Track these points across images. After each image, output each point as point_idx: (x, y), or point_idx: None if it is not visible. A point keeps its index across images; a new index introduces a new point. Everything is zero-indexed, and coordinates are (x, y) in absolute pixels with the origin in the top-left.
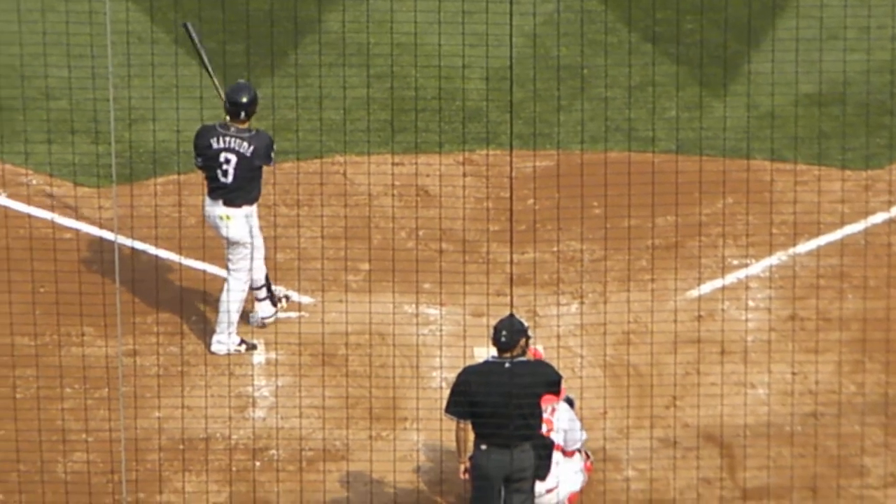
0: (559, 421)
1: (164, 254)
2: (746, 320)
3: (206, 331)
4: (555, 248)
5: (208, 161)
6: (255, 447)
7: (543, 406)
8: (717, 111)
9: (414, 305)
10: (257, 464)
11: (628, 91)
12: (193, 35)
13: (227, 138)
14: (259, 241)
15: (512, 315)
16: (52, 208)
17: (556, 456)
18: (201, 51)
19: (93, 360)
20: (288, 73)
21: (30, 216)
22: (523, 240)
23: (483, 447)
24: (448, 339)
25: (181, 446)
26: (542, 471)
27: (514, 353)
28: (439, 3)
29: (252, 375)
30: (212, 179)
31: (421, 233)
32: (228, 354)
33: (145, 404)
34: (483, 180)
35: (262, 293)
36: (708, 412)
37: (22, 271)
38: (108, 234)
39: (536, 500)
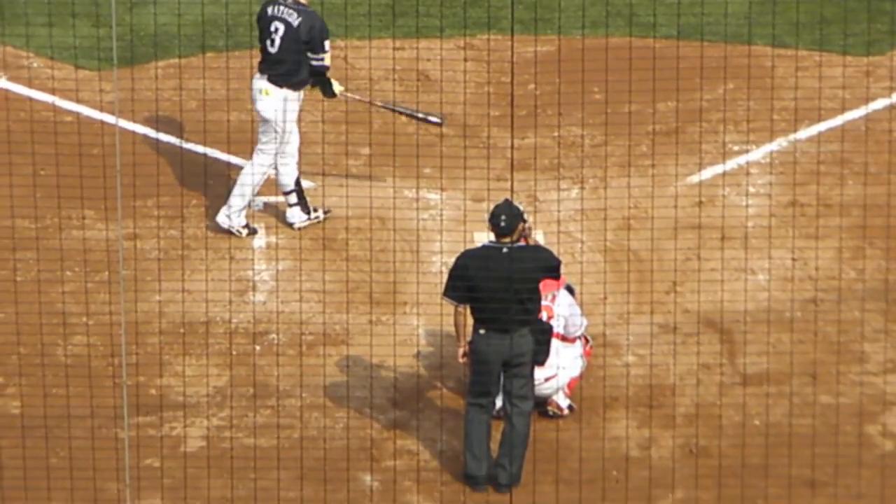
0: (559, 307)
1: (164, 137)
2: (747, 206)
3: (206, 215)
4: (555, 134)
5: (261, 29)
6: (254, 331)
7: (543, 293)
8: None
9: (414, 190)
10: (257, 348)
11: None
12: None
13: (281, 7)
14: (294, 138)
15: (508, 200)
16: (53, 91)
17: (556, 343)
18: (404, 112)
19: (93, 244)
20: None
21: (31, 99)
22: (524, 125)
23: (482, 331)
24: (448, 223)
25: (181, 330)
26: (541, 356)
27: (513, 238)
28: None
29: (252, 259)
30: (262, 50)
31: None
32: (230, 231)
33: (145, 288)
34: (484, 65)
35: (293, 198)
36: (708, 298)
37: (23, 154)
38: (108, 118)
39: (536, 388)
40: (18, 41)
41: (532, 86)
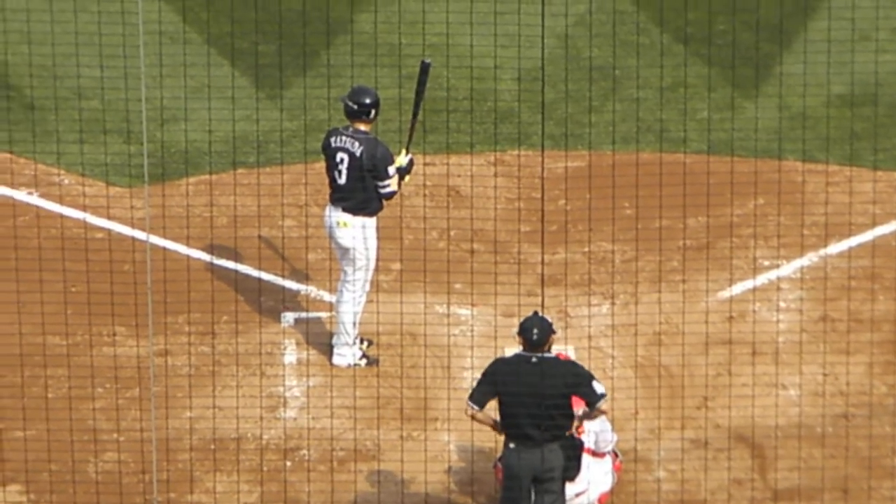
0: (590, 423)
1: (195, 254)
2: (778, 321)
3: (237, 330)
4: (586, 249)
5: (328, 160)
6: (286, 447)
7: (575, 409)
8: (749, 112)
9: (445, 306)
10: (288, 464)
11: (660, 92)
12: (425, 78)
13: (343, 138)
14: (371, 264)
15: (536, 313)
16: (84, 208)
17: (587, 458)
18: (422, 93)
19: (124, 360)
20: (320, 73)
21: (62, 216)
22: (554, 240)
23: (511, 445)
24: (479, 339)
25: (212, 446)
26: (571, 471)
27: (544, 350)
28: (471, 3)
29: (283, 375)
30: (331, 181)
31: (452, 233)
32: (351, 366)
33: (176, 404)
34: (514, 181)
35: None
36: (739, 413)
37: (54, 271)
38: (139, 234)
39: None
40: (50, 158)
41: (562, 201)
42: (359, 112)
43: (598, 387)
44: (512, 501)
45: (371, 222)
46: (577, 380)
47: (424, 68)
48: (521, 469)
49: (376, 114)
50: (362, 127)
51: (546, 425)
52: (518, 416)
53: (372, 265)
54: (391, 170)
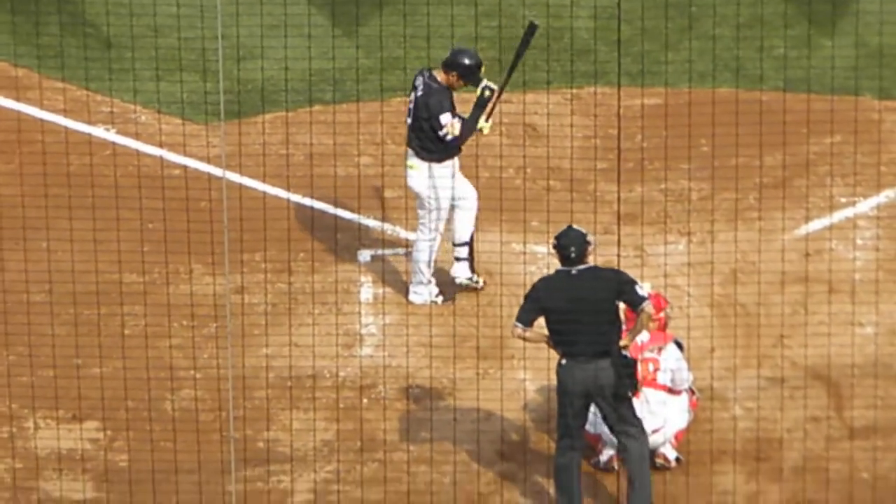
0: (666, 361)
1: (272, 190)
2: (854, 259)
3: (313, 268)
4: (662, 186)
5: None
6: (362, 384)
7: (650, 346)
8: (826, 49)
9: (522, 243)
10: (364, 401)
11: (736, 28)
12: (529, 38)
13: (420, 80)
14: (467, 201)
15: (571, 227)
16: (160, 144)
17: (663, 395)
18: (521, 55)
19: (200, 298)
20: (396, 10)
21: (138, 152)
22: (631, 178)
23: (563, 362)
24: None
25: (288, 384)
26: (624, 389)
27: (583, 262)
28: None
29: (359, 313)
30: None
31: (528, 170)
32: (427, 304)
33: (252, 342)
34: (591, 118)
35: (463, 252)
36: (815, 351)
37: (131, 209)
38: (216, 171)
39: None
40: (126, 95)
41: (639, 138)
42: (443, 63)
43: (641, 290)
44: (565, 419)
45: (440, 169)
46: (619, 286)
47: (531, 30)
48: (573, 385)
49: (459, 76)
50: (440, 77)
51: (594, 338)
52: (566, 330)
53: (444, 213)
54: (443, 118)
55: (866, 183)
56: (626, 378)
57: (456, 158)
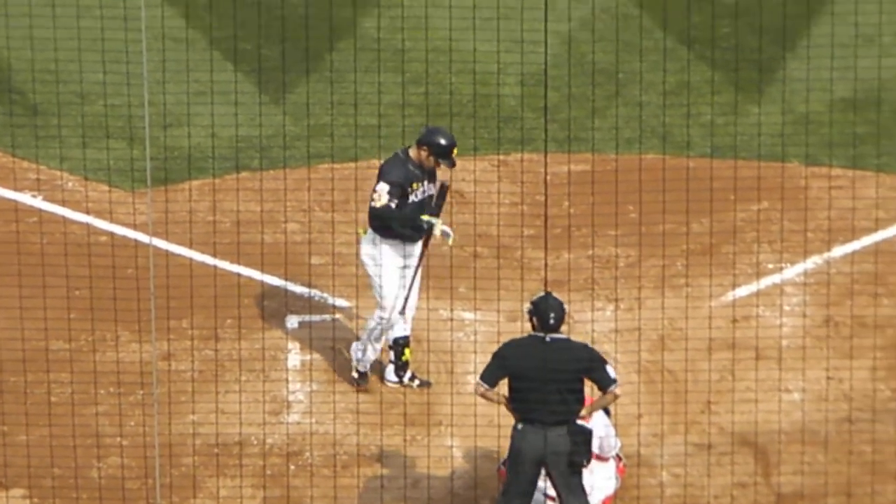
0: (595, 427)
1: (199, 257)
2: (781, 325)
3: (240, 334)
4: (589, 252)
5: None
6: (289, 451)
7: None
8: (753, 116)
9: (449, 310)
10: (291, 468)
11: (663, 95)
12: (444, 194)
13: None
14: (383, 288)
15: (550, 293)
16: (87, 211)
17: (591, 462)
18: (440, 206)
19: (127, 364)
20: (323, 77)
21: (65, 219)
22: (558, 244)
23: (519, 427)
24: (482, 343)
25: (216, 450)
26: (578, 457)
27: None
28: (474, 7)
29: (286, 380)
30: None
31: (456, 237)
32: (400, 385)
33: (180, 408)
34: (518, 184)
35: (393, 355)
36: (743, 417)
37: (57, 276)
38: (142, 237)
39: None
40: (53, 161)
41: (566, 204)
42: (417, 139)
43: (611, 371)
44: (515, 486)
45: (385, 241)
46: (590, 364)
47: (442, 192)
48: (528, 449)
49: (430, 153)
50: (412, 151)
51: (556, 408)
52: (529, 397)
53: (390, 290)
54: (379, 185)
55: (793, 249)
56: (582, 445)
57: (416, 255)
